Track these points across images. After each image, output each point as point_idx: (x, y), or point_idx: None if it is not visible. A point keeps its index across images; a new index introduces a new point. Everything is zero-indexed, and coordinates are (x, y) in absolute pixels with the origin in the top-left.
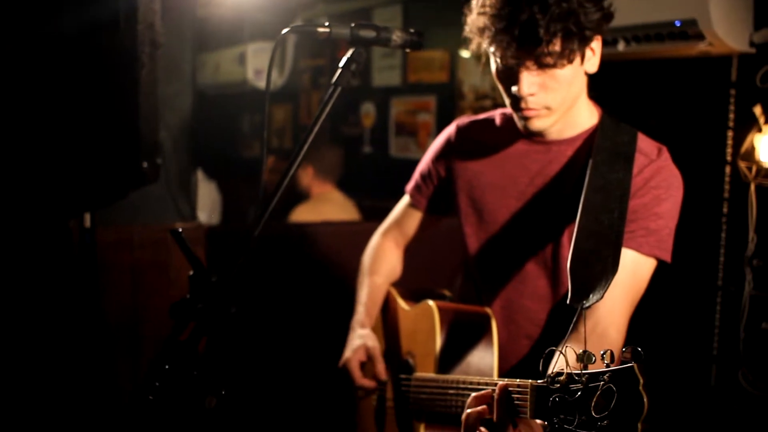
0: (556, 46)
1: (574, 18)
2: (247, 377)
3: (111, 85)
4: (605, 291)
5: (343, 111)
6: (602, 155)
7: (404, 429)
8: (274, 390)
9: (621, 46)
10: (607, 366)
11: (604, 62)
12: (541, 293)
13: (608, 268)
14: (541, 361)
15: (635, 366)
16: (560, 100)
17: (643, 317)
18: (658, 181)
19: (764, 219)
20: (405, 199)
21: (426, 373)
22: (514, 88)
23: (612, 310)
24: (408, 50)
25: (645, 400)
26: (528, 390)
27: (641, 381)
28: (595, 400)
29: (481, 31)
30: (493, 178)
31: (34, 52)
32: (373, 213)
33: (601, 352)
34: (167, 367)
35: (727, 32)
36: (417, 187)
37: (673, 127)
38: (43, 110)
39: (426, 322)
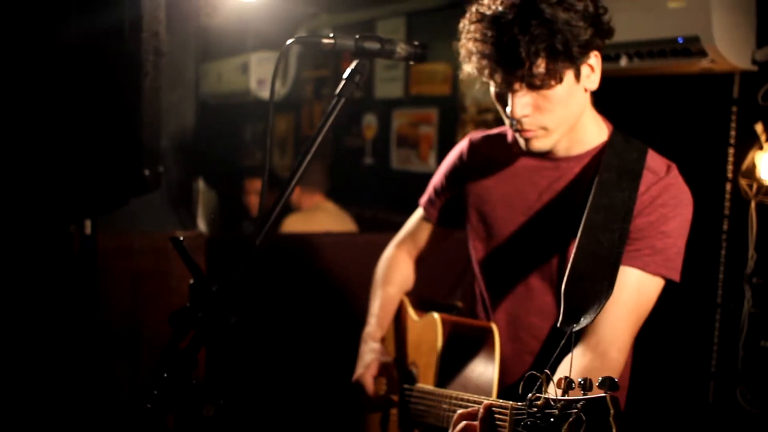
0: (541, 68)
1: (557, 37)
2: (246, 386)
3: (114, 92)
4: (597, 314)
5: (345, 122)
6: (609, 173)
7: None
8: (272, 398)
9: (624, 62)
10: (584, 394)
11: (607, 78)
12: (546, 309)
13: (603, 290)
14: (522, 383)
15: (608, 397)
16: (557, 121)
17: (642, 334)
18: (665, 199)
19: (764, 237)
20: (419, 212)
21: (427, 384)
22: (508, 110)
23: (614, 330)
24: (412, 62)
25: (614, 431)
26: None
27: (611, 412)
28: (565, 428)
29: (469, 56)
30: (502, 193)
31: (38, 59)
32: (374, 224)
33: (580, 380)
34: (166, 375)
35: (729, 50)
36: (430, 200)
37: (674, 143)
38: (46, 117)
39: (429, 334)
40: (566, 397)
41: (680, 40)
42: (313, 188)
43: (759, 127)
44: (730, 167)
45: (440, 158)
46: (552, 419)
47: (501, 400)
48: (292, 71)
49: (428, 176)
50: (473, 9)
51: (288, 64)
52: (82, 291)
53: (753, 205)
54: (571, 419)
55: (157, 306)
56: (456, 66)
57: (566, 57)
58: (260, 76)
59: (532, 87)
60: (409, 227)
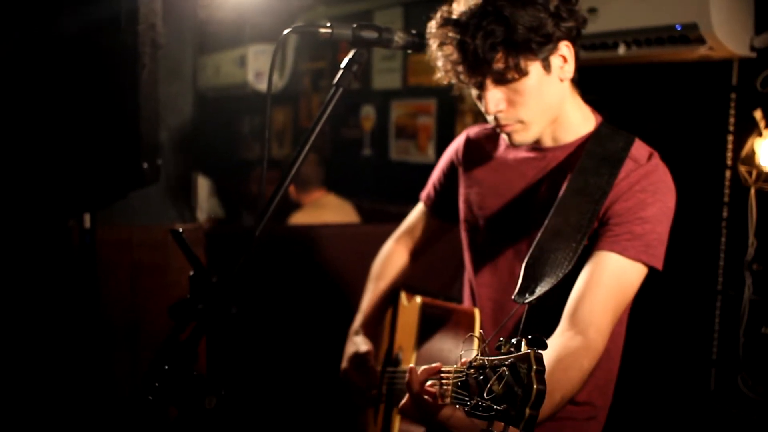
0: (500, 63)
1: (514, 31)
2: (248, 377)
3: (111, 85)
4: (552, 286)
5: (343, 114)
6: (590, 160)
7: (387, 420)
8: (273, 390)
9: (621, 50)
10: (515, 352)
11: (605, 66)
12: None
13: (562, 264)
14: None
15: (531, 353)
16: (532, 113)
17: (643, 321)
18: (644, 185)
19: (764, 223)
20: (418, 207)
21: (408, 364)
22: (482, 107)
23: (592, 312)
24: (410, 51)
25: (534, 386)
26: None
27: (534, 367)
28: (490, 384)
29: (437, 60)
30: (491, 185)
31: (35, 52)
32: (373, 216)
33: (513, 340)
34: (167, 367)
35: (727, 36)
36: (429, 195)
37: (673, 131)
38: (44, 110)
39: (411, 317)
40: (499, 357)
41: (678, 27)
42: (308, 185)
43: (758, 114)
44: (729, 154)
45: (439, 149)
46: (483, 377)
47: (450, 366)
48: (289, 63)
49: (427, 167)
50: (437, 15)
51: (285, 56)
52: (81, 284)
53: (753, 192)
54: (497, 374)
55: (156, 299)
56: None
57: (526, 49)
58: (258, 69)
59: (499, 82)
60: (409, 221)
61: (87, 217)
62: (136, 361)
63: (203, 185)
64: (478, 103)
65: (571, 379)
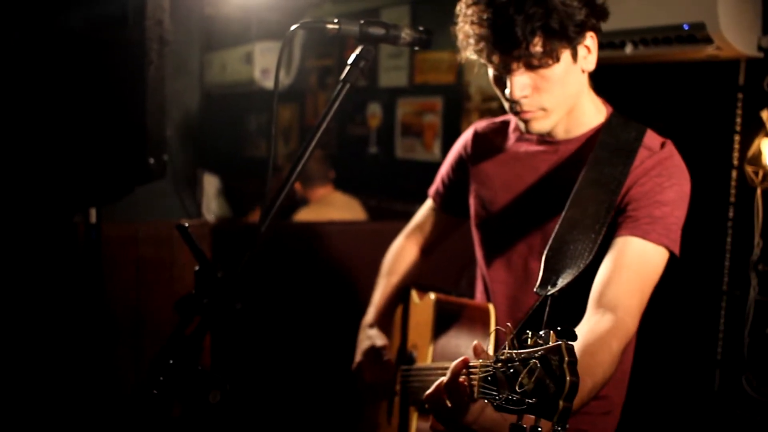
0: (537, 47)
1: (553, 16)
2: (252, 372)
3: (118, 80)
4: (574, 277)
5: (349, 111)
6: (604, 151)
7: (403, 415)
8: (279, 385)
9: (629, 49)
10: (544, 344)
11: (612, 65)
12: None
13: (582, 255)
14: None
15: (563, 344)
16: (555, 101)
17: (648, 321)
18: (659, 170)
19: None
20: (427, 203)
21: (423, 362)
22: (507, 92)
23: (618, 293)
24: (417, 48)
25: (568, 378)
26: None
27: (566, 359)
28: (520, 378)
29: (467, 40)
30: (502, 179)
31: (42, 48)
32: (378, 213)
33: (541, 332)
34: (172, 361)
35: (735, 36)
36: (437, 190)
37: (679, 130)
38: (50, 105)
39: (426, 314)
40: (527, 350)
41: (686, 27)
42: (314, 182)
43: (765, 114)
44: (735, 154)
45: (445, 147)
46: (512, 370)
47: (476, 360)
48: (296, 61)
49: (433, 165)
50: None
51: (292, 53)
52: (86, 280)
53: (759, 192)
54: (528, 367)
55: (161, 294)
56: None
57: (563, 36)
58: (264, 66)
59: (530, 67)
60: (418, 218)
61: (93, 212)
62: (141, 355)
63: (210, 183)
64: (496, 87)
65: (602, 363)
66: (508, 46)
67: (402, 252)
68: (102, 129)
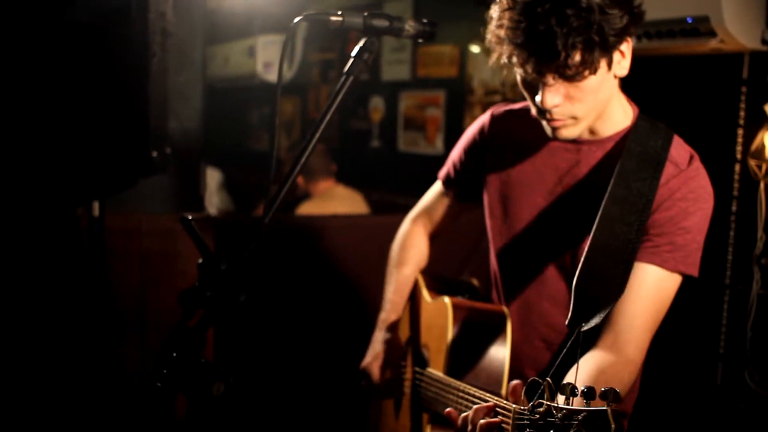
0: (576, 58)
1: (594, 28)
2: (256, 365)
3: (121, 73)
4: (607, 313)
5: (352, 105)
6: (630, 161)
7: (415, 418)
8: (282, 377)
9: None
10: (586, 404)
11: None
12: (559, 297)
13: (614, 289)
14: (524, 388)
15: (609, 410)
16: (587, 109)
17: None
18: (684, 192)
19: None
20: (436, 186)
21: (437, 368)
22: (537, 99)
23: (632, 328)
24: (420, 41)
25: None
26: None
27: (612, 426)
28: None
29: (500, 43)
30: (522, 174)
31: (45, 41)
32: (380, 207)
33: (583, 389)
34: (175, 354)
35: (739, 30)
36: (448, 174)
37: (683, 124)
38: (54, 98)
39: (440, 319)
40: (569, 407)
41: (689, 20)
42: (316, 175)
43: None
44: (739, 148)
45: (447, 140)
46: (552, 429)
47: (505, 402)
48: (298, 54)
49: (435, 159)
50: None
51: (294, 47)
52: (89, 272)
53: (762, 186)
54: (571, 430)
55: (164, 287)
56: (463, 48)
57: (602, 47)
58: (267, 59)
59: (564, 77)
60: (426, 201)
61: (96, 205)
62: (145, 348)
63: (213, 177)
64: (524, 90)
65: None
66: (545, 57)
67: (411, 239)
68: (105, 122)
